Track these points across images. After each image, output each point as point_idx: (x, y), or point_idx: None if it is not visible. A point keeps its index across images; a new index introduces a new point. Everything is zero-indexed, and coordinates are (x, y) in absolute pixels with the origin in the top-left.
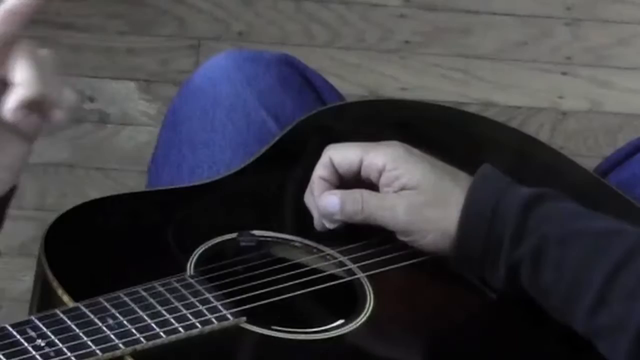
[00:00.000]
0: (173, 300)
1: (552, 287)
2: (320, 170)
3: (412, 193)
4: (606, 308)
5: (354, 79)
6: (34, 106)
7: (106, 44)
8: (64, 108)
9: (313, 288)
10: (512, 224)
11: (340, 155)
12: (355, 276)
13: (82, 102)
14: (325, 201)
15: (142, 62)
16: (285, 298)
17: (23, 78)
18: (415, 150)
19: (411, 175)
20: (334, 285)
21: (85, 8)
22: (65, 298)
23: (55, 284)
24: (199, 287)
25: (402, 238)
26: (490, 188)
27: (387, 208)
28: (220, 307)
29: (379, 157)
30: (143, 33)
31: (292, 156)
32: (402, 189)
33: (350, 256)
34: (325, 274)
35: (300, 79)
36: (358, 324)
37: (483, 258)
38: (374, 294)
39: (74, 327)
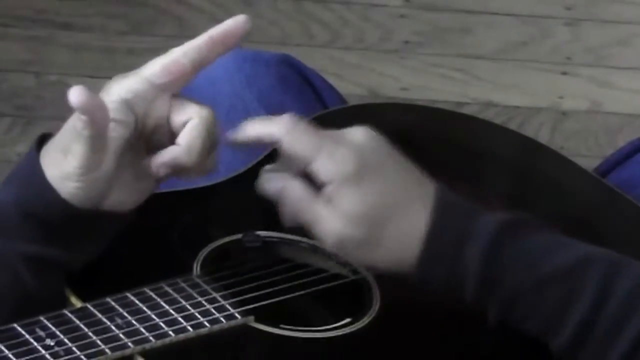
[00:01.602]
0: (181, 299)
1: (525, 329)
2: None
3: (345, 225)
4: (582, 350)
5: (354, 78)
6: (179, 168)
7: (106, 44)
8: (200, 173)
9: (319, 287)
10: (474, 282)
11: (291, 150)
12: (361, 275)
13: None
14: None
15: (142, 62)
16: (292, 297)
17: (186, 142)
18: (376, 161)
19: (350, 206)
20: (340, 284)
21: (85, 8)
22: (73, 299)
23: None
24: (206, 287)
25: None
26: (443, 247)
27: (319, 228)
28: (228, 307)
29: (324, 170)
30: (143, 33)
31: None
32: (342, 215)
33: None
34: (331, 273)
35: (300, 79)
36: (365, 322)
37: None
38: (381, 291)
39: (82, 326)
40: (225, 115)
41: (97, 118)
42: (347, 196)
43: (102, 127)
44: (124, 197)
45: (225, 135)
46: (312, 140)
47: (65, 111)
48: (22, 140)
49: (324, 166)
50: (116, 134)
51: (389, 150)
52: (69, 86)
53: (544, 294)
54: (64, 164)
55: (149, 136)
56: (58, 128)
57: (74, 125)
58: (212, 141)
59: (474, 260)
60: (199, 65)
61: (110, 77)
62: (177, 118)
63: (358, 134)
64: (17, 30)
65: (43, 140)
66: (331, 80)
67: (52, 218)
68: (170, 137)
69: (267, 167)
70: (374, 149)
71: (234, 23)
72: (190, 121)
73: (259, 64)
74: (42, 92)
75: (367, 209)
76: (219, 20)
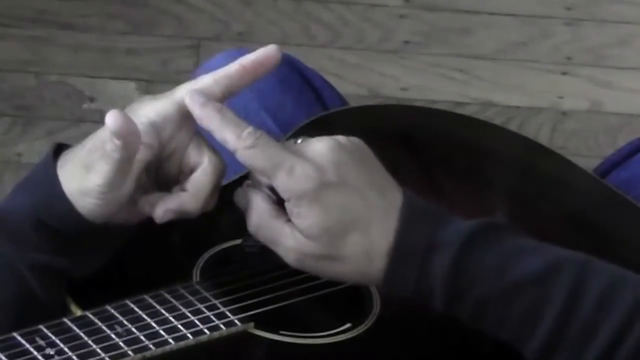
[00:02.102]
0: (180, 306)
1: (498, 335)
2: None
3: (304, 242)
4: (556, 353)
5: (354, 78)
6: (183, 214)
7: (106, 44)
8: (199, 213)
9: (319, 292)
10: (443, 294)
11: (248, 165)
12: None
13: (82, 102)
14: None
15: (142, 62)
16: (292, 303)
17: (194, 189)
18: (337, 177)
19: (308, 222)
20: (340, 289)
21: (85, 8)
22: (73, 307)
23: None
24: (206, 294)
25: None
26: (409, 259)
27: (279, 244)
28: (227, 313)
29: (282, 187)
30: (143, 33)
31: None
32: (300, 232)
33: None
34: None
35: (300, 79)
36: (366, 327)
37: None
38: (381, 296)
39: (82, 335)
40: None
41: (129, 143)
42: (305, 213)
43: (132, 151)
44: (133, 213)
45: (194, 91)
46: (271, 156)
47: (65, 111)
48: (22, 140)
49: (282, 183)
50: (140, 156)
51: (353, 161)
52: (69, 86)
53: (514, 302)
54: (85, 180)
55: (164, 161)
56: (58, 128)
57: (103, 145)
58: (217, 188)
59: (442, 272)
60: (229, 93)
61: (110, 77)
62: (191, 156)
63: (321, 146)
64: (17, 30)
65: (59, 149)
66: (331, 80)
67: (64, 229)
68: (179, 169)
69: (248, 181)
70: (335, 163)
71: (265, 53)
72: (201, 166)
73: None
74: (42, 92)
75: (325, 226)
76: (219, 20)
